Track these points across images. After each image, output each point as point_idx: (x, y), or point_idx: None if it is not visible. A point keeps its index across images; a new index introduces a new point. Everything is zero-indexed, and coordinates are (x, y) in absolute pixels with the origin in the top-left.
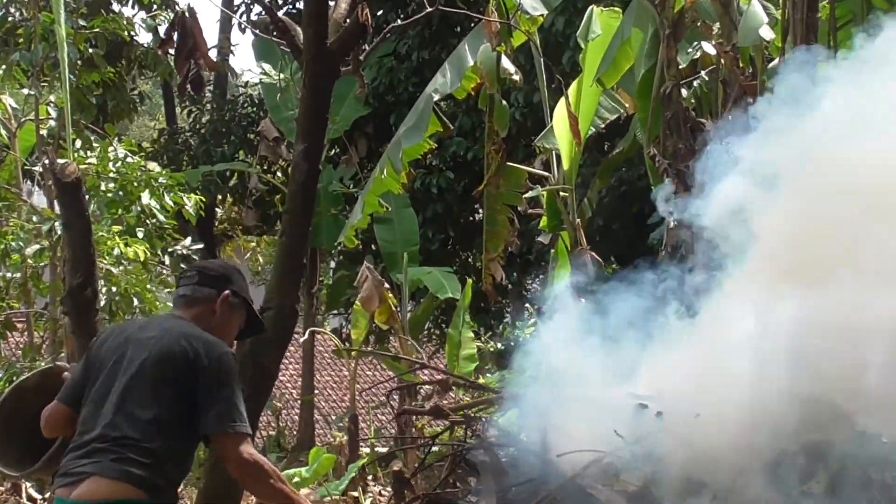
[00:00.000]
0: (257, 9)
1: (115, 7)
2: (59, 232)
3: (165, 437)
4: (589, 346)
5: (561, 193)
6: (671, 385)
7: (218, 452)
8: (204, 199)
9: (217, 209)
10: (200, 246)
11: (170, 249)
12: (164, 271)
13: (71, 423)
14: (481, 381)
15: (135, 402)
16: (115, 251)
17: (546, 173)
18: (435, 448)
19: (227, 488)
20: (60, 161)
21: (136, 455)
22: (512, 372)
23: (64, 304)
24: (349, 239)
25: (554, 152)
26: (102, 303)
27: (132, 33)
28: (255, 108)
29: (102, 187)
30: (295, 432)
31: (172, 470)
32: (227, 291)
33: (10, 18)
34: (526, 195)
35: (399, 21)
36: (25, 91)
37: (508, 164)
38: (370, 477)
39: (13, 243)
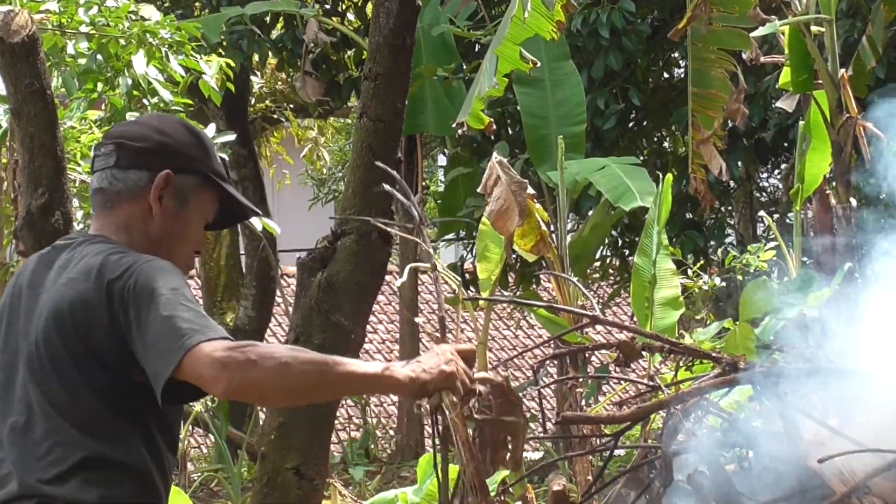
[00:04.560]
0: None
1: None
2: (4, 125)
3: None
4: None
5: (813, 28)
6: None
7: (198, 388)
8: (232, 63)
9: (254, 78)
10: (231, 137)
11: None
12: None
13: None
14: (690, 340)
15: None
16: None
17: None
18: (619, 452)
19: None
20: (1, 9)
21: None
22: (742, 325)
23: (19, 236)
24: (475, 117)
25: None
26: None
27: None
28: None
29: (70, 49)
30: (392, 433)
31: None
32: (165, 171)
33: None
34: (756, 33)
35: None
36: None
37: None
38: (517, 501)
39: None
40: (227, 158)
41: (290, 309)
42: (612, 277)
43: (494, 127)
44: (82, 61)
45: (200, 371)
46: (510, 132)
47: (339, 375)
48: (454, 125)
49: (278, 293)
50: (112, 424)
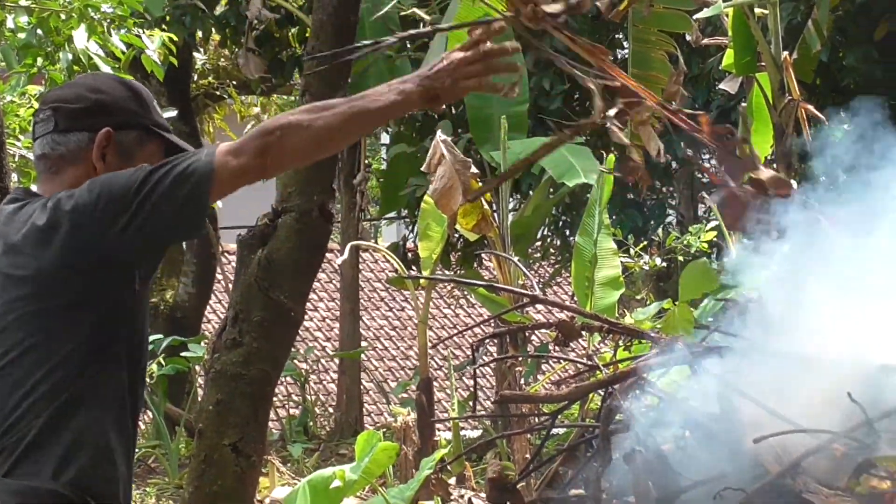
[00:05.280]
0: None
1: None
2: None
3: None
4: (820, 276)
5: (757, 11)
6: None
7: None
8: (175, 38)
9: (197, 54)
10: (173, 113)
11: None
12: None
13: None
14: (630, 320)
15: None
16: None
17: None
18: (557, 430)
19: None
20: None
21: None
22: (681, 306)
23: None
24: None
25: None
26: None
27: None
28: None
29: (10, 23)
30: (331, 410)
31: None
32: (105, 128)
33: None
34: (699, 15)
35: None
36: None
37: None
38: (453, 478)
39: None
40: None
41: (231, 286)
42: (553, 257)
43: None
44: (22, 35)
45: (240, 162)
46: (453, 111)
47: (357, 117)
48: None
49: (219, 270)
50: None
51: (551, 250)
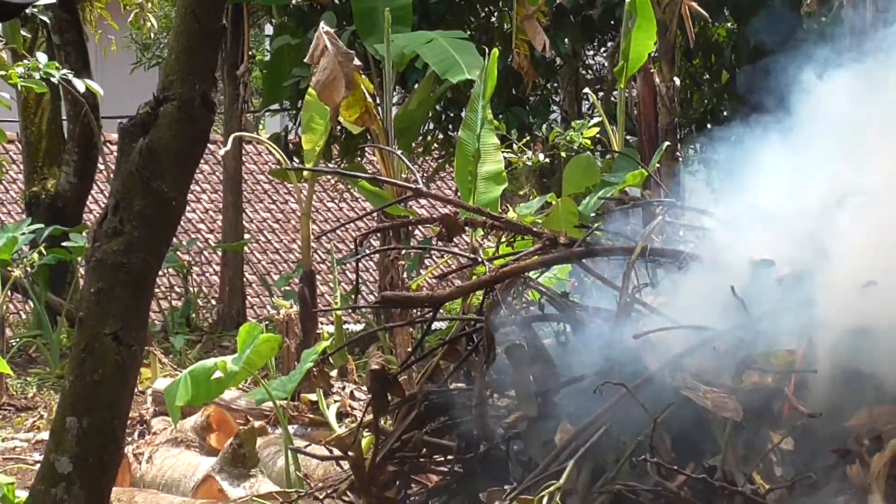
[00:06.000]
0: None
1: None
2: None
3: None
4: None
5: None
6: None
7: None
8: None
9: None
10: (52, 0)
11: None
12: None
13: None
14: (513, 215)
15: None
16: None
17: None
18: (439, 324)
19: (105, 387)
20: None
21: None
22: (564, 200)
23: None
24: None
25: None
26: None
27: None
28: None
29: None
30: (214, 302)
31: None
32: None
33: None
34: None
35: None
36: None
37: None
38: (335, 371)
39: None
40: (48, 21)
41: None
42: (436, 152)
43: None
44: None
45: None
46: (338, 2)
47: None
48: None
49: (100, 159)
50: None
51: (435, 145)
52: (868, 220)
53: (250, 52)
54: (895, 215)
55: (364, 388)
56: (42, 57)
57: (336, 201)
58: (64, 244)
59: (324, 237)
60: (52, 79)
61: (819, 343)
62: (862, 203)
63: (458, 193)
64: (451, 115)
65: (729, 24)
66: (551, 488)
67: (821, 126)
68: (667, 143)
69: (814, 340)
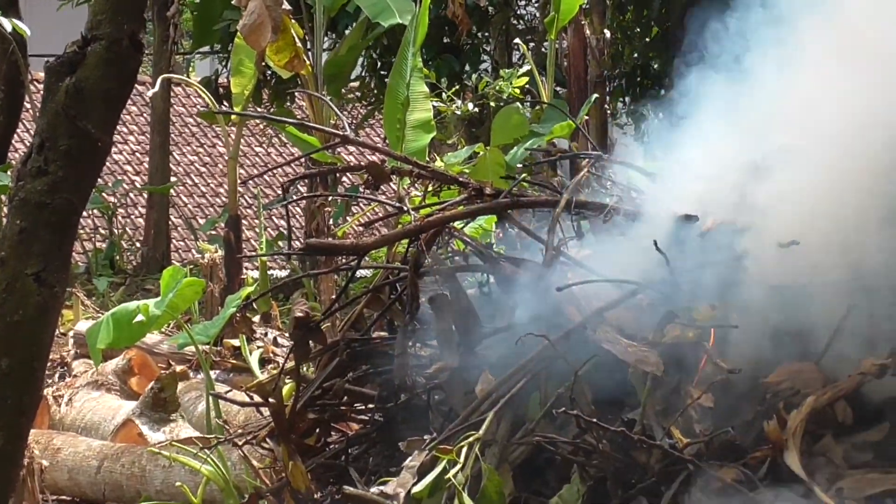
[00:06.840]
0: None
1: None
2: None
3: None
4: None
5: None
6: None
7: None
8: None
9: None
10: None
11: None
12: None
13: None
14: (440, 164)
15: None
16: None
17: None
18: (363, 272)
19: None
20: None
21: None
22: (492, 150)
23: None
24: None
25: None
26: None
27: None
28: None
29: None
30: (139, 244)
31: None
32: None
33: None
34: None
35: None
36: None
37: None
38: (258, 316)
39: None
40: None
41: (38, 114)
42: (367, 99)
43: None
44: None
45: None
46: None
47: None
48: None
49: (27, 98)
50: None
51: (365, 92)
52: (793, 177)
53: None
54: (820, 173)
55: (287, 334)
56: None
57: (264, 146)
58: None
59: (251, 182)
60: None
61: (741, 299)
62: (787, 160)
63: (387, 141)
64: (384, 62)
65: None
66: (470, 439)
67: (751, 82)
68: (595, 96)
69: (736, 296)
